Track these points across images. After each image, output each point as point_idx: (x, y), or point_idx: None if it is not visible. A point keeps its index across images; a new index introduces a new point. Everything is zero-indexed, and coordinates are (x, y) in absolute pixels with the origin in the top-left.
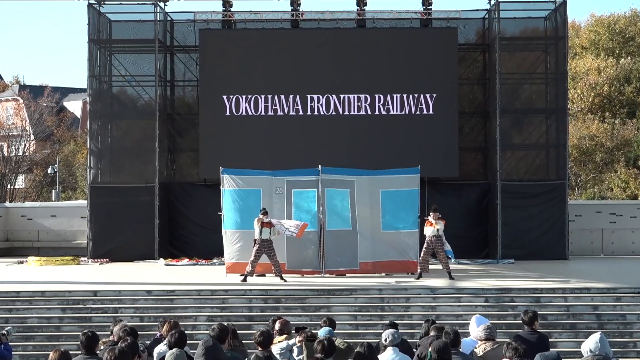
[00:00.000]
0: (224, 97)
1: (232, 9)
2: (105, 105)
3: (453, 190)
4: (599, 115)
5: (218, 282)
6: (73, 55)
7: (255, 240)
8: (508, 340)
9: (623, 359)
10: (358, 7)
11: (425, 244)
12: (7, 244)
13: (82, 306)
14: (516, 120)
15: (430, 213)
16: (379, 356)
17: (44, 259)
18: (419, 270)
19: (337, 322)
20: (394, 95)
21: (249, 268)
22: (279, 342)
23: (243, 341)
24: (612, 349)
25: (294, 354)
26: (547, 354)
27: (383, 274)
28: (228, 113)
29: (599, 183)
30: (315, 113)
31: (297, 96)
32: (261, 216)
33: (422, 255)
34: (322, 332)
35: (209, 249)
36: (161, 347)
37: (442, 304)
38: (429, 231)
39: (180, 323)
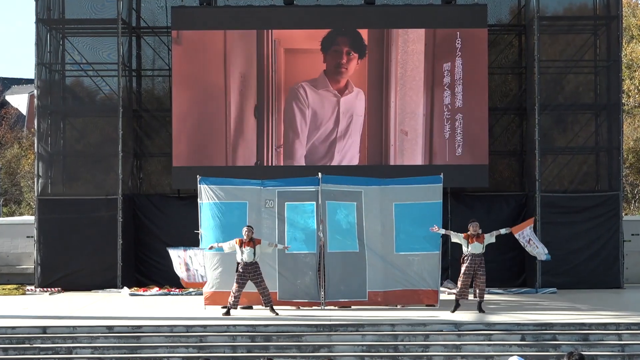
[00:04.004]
0: (202, 89)
1: None
2: (57, 99)
3: (482, 204)
4: None
5: (195, 316)
6: (17, 39)
7: (238, 263)
8: None
9: None
10: None
11: (468, 264)
12: None
13: (29, 345)
14: (559, 118)
15: (470, 226)
16: None
17: None
18: (455, 298)
19: None
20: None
21: (231, 299)
22: None
23: None
24: None
25: None
26: None
27: (396, 306)
28: (207, 109)
29: None
30: (314, 109)
31: (292, 87)
32: (244, 233)
33: (461, 279)
34: None
35: None
36: None
37: (468, 342)
38: (478, 248)
39: None
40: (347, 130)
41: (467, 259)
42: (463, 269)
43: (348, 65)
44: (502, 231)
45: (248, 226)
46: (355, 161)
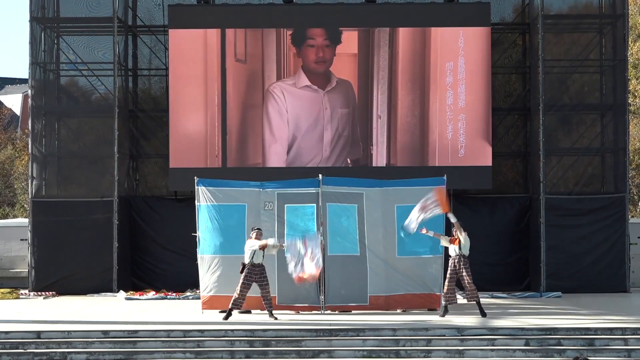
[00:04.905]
0: (200, 89)
1: None
2: (52, 99)
3: (486, 206)
4: None
5: (192, 321)
6: (11, 38)
7: (243, 264)
8: None
9: None
10: None
11: (450, 267)
12: None
13: (22, 350)
14: (564, 119)
15: (453, 230)
16: None
17: None
18: (443, 303)
19: None
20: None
21: (234, 299)
22: None
23: None
24: None
25: None
26: None
27: (398, 311)
28: (205, 110)
29: None
30: (294, 110)
31: (267, 89)
32: (253, 237)
33: (446, 283)
34: None
35: (180, 279)
36: None
37: (471, 347)
38: (456, 250)
39: None
40: (334, 126)
41: (450, 262)
42: (447, 274)
43: (327, 57)
44: (451, 219)
45: (258, 229)
46: (347, 158)
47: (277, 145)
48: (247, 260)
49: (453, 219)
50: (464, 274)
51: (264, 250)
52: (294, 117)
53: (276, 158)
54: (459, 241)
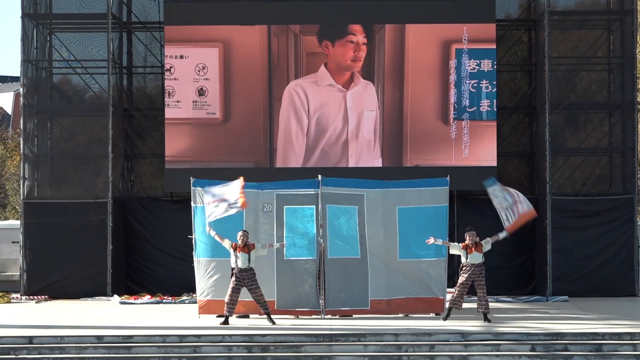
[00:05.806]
0: (199, 87)
1: None
2: (44, 98)
3: (490, 207)
4: None
5: (188, 326)
6: (2, 35)
7: (232, 269)
8: None
9: None
10: None
11: (468, 275)
12: None
13: (14, 356)
14: (571, 118)
15: (466, 235)
16: None
17: None
18: (448, 306)
19: None
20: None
21: (226, 307)
22: None
23: None
24: None
25: None
26: None
27: (400, 315)
28: (201, 108)
29: None
30: (317, 110)
31: (287, 87)
32: (238, 238)
33: (458, 288)
34: None
35: (176, 282)
36: None
37: (475, 353)
38: (477, 258)
39: None
40: (358, 128)
41: (467, 270)
42: (462, 279)
43: (363, 56)
44: (501, 236)
45: (243, 231)
46: (374, 164)
47: (292, 151)
48: (233, 264)
49: (503, 235)
50: (483, 282)
51: (249, 254)
52: (318, 119)
53: (294, 161)
54: (482, 248)
